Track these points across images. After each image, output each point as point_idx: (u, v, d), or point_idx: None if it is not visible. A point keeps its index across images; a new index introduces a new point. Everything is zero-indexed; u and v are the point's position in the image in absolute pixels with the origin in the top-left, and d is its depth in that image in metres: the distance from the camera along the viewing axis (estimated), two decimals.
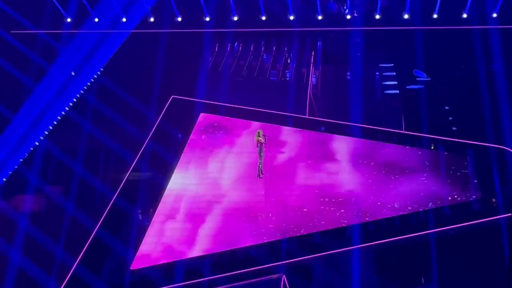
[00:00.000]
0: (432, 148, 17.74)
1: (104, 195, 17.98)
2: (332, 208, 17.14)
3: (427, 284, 16.59)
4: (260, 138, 17.62)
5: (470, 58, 18.00)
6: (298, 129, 18.30)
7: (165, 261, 17.06)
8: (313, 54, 20.04)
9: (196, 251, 17.06)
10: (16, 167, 18.51)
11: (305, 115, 18.58)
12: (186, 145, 18.32)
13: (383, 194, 17.16)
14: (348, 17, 19.25)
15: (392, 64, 19.66)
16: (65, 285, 16.95)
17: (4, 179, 18.42)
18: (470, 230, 16.49)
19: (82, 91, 19.31)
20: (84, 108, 18.98)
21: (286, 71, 20.14)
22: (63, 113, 19.09)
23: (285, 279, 16.52)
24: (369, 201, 17.13)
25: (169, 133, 18.42)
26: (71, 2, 19.53)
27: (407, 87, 19.03)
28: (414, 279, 16.81)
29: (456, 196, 16.96)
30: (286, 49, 20.14)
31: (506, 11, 18.30)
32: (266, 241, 16.91)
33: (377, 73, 19.82)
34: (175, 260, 17.03)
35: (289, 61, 20.18)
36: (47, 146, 18.68)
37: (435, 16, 18.73)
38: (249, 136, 18.16)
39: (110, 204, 17.66)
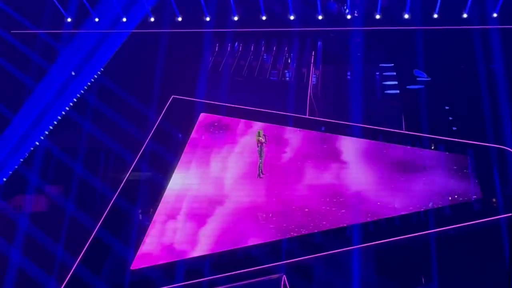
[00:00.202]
0: (433, 148, 17.74)
1: (105, 195, 17.99)
2: (333, 208, 17.15)
3: (427, 284, 16.59)
4: (260, 138, 17.64)
5: (470, 58, 17.99)
6: (298, 129, 18.28)
7: (165, 261, 17.09)
8: (313, 54, 20.03)
9: (196, 251, 17.08)
10: (16, 167, 18.51)
11: (306, 115, 18.57)
12: (187, 145, 18.32)
13: (383, 194, 17.17)
14: (349, 17, 19.23)
15: (392, 64, 19.66)
16: (65, 285, 16.97)
17: (5, 179, 18.42)
18: (471, 230, 16.50)
19: (82, 91, 19.30)
20: (85, 108, 18.97)
21: (287, 71, 20.14)
22: (63, 113, 19.08)
23: (285, 279, 16.53)
24: (369, 201, 17.13)
25: (169, 133, 18.42)
26: (71, 2, 19.51)
27: (408, 87, 19.02)
28: (415, 279, 16.82)
29: (456, 196, 16.96)
30: (286, 49, 20.14)
31: (507, 11, 18.29)
32: (266, 241, 16.93)
33: (377, 73, 19.81)
34: (176, 260, 17.05)
35: (289, 61, 20.17)
36: (47, 146, 18.68)
37: (435, 16, 18.71)
38: (250, 136, 18.16)
39: (110, 204, 17.66)
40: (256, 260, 16.75)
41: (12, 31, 19.62)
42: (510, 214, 16.46)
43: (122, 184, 17.87)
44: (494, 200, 16.96)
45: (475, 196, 16.97)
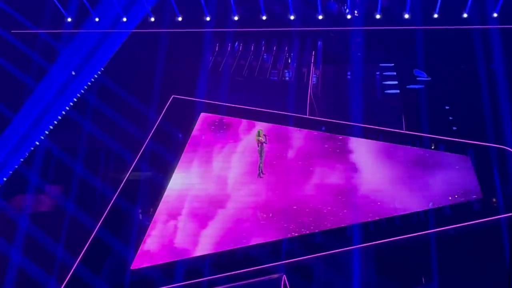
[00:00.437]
0: (433, 147, 17.73)
1: (105, 194, 17.99)
2: (333, 208, 17.15)
3: (427, 284, 16.60)
4: (260, 138, 17.64)
5: (471, 58, 17.98)
6: (298, 128, 18.28)
7: (165, 261, 17.09)
8: (313, 53, 20.03)
9: (196, 251, 17.09)
10: (16, 166, 18.52)
11: (306, 114, 18.57)
12: (187, 145, 18.32)
13: (383, 194, 17.17)
14: (349, 16, 19.23)
15: (393, 64, 19.66)
16: (65, 284, 16.97)
17: (5, 179, 18.42)
18: (471, 230, 16.50)
19: (82, 91, 19.31)
20: (85, 108, 18.98)
21: (287, 71, 20.14)
22: (63, 112, 19.08)
23: (286, 278, 16.53)
24: (369, 201, 17.13)
25: (169, 133, 18.42)
26: (71, 2, 19.52)
27: (408, 86, 19.02)
28: (415, 279, 16.82)
29: (456, 196, 16.95)
30: (286, 48, 20.14)
31: (507, 11, 18.28)
32: (266, 240, 16.93)
33: (378, 73, 19.81)
34: (176, 259, 17.06)
35: (289, 61, 20.17)
36: (47, 145, 18.69)
37: (435, 16, 18.71)
38: (250, 135, 18.16)
39: (110, 204, 17.67)
40: (256, 260, 16.75)
41: (12, 31, 19.62)
42: (510, 214, 16.45)
43: (122, 184, 17.86)
44: (494, 200, 16.94)
45: (475, 196, 16.95)
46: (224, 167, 18.04)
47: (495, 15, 18.41)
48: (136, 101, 18.47)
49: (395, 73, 19.55)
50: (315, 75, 19.84)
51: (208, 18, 19.45)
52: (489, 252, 16.11)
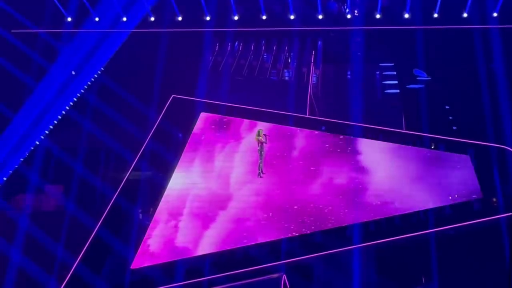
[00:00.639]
0: (433, 147, 17.73)
1: (105, 194, 18.00)
2: (333, 208, 17.15)
3: (427, 283, 16.60)
4: (260, 138, 17.65)
5: (471, 58, 17.98)
6: (298, 128, 18.27)
7: (165, 260, 17.10)
8: (313, 53, 20.03)
9: (197, 250, 17.10)
10: (16, 166, 18.52)
11: (306, 114, 18.57)
12: (187, 144, 18.32)
13: (382, 193, 17.17)
14: (349, 16, 19.24)
15: (393, 64, 19.66)
16: (65, 284, 16.98)
17: (5, 179, 18.43)
18: (471, 230, 16.50)
19: (82, 91, 19.31)
20: (85, 108, 18.98)
21: (287, 71, 20.14)
22: (63, 112, 19.09)
23: (286, 278, 16.54)
24: (369, 200, 17.13)
25: (169, 132, 18.42)
26: (71, 2, 19.52)
27: (408, 86, 19.03)
28: (415, 278, 16.83)
29: (456, 196, 16.95)
30: (286, 48, 20.14)
31: (507, 10, 18.28)
32: (266, 240, 16.94)
33: (378, 73, 19.81)
34: (176, 259, 17.07)
35: (289, 60, 20.18)
36: (47, 145, 18.69)
37: (435, 15, 18.71)
38: (250, 135, 18.16)
39: (110, 204, 17.67)
40: (255, 259, 16.76)
41: (12, 31, 19.63)
42: (510, 214, 16.46)
43: (122, 184, 17.87)
44: (494, 199, 16.94)
45: (475, 196, 16.95)
46: (224, 167, 18.04)
47: (495, 14, 18.40)
48: (136, 100, 18.47)
49: (395, 73, 19.55)
50: (315, 75, 19.84)
51: (208, 18, 19.45)
52: (489, 252, 16.12)
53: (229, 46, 20.09)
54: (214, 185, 17.88)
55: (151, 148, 18.18)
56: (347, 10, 19.24)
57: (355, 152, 17.81)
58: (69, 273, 17.01)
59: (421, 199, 17.01)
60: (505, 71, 17.74)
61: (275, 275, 16.62)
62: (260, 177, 17.72)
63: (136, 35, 19.40)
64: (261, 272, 16.70)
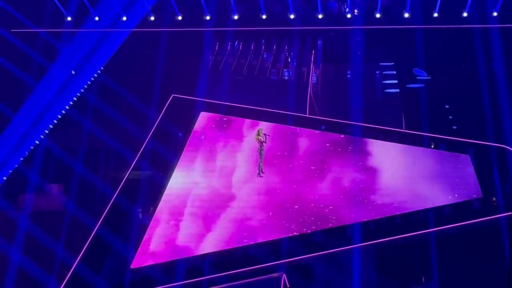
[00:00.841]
0: (432, 147, 17.73)
1: (105, 193, 18.00)
2: (333, 207, 17.16)
3: (427, 283, 16.60)
4: (260, 137, 17.65)
5: (471, 57, 17.99)
6: (298, 127, 18.27)
7: (165, 260, 17.10)
8: (313, 53, 20.04)
9: (196, 250, 17.09)
10: (16, 166, 18.52)
11: (306, 113, 18.57)
12: (187, 144, 18.31)
13: (382, 193, 17.17)
14: (349, 16, 19.24)
15: (393, 63, 19.67)
16: (65, 284, 16.98)
17: (5, 178, 18.42)
18: (471, 229, 16.50)
19: (82, 90, 19.32)
20: (85, 107, 18.99)
21: (287, 70, 20.14)
22: (63, 112, 19.09)
23: (286, 277, 16.54)
24: (368, 200, 17.14)
25: (169, 132, 18.42)
26: (71, 1, 19.53)
27: (407, 86, 19.03)
28: (415, 278, 16.82)
29: (456, 195, 16.95)
30: (286, 48, 20.15)
31: (507, 10, 18.28)
32: (265, 240, 16.94)
33: (377, 72, 19.82)
34: (176, 258, 17.07)
35: (289, 60, 20.18)
36: (47, 145, 18.69)
37: (435, 15, 18.72)
38: (250, 134, 18.16)
39: (110, 203, 17.66)
40: (255, 259, 16.76)
41: (12, 30, 19.63)
42: (510, 213, 16.46)
43: (122, 183, 17.86)
44: (494, 199, 16.94)
45: (475, 195, 16.94)
46: (224, 166, 18.04)
47: (495, 14, 18.41)
48: (136, 100, 18.47)
49: (395, 72, 19.57)
50: (315, 74, 19.85)
51: (208, 17, 19.45)
52: (489, 251, 16.11)
53: (229, 46, 20.10)
54: (214, 184, 17.87)
55: (151, 147, 18.17)
56: (347, 10, 19.25)
57: (356, 152, 17.79)
58: (69, 272, 17.00)
59: (421, 198, 17.00)
60: (505, 70, 17.74)
61: (275, 275, 16.62)
62: (260, 176, 17.73)
63: (136, 35, 19.41)
64: (261, 271, 16.69)
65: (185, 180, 17.96)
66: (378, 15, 19.04)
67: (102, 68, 19.45)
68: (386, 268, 16.64)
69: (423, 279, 16.77)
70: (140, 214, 17.88)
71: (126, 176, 17.97)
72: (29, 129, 18.68)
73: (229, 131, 18.44)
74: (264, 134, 17.70)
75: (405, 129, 18.13)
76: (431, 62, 18.64)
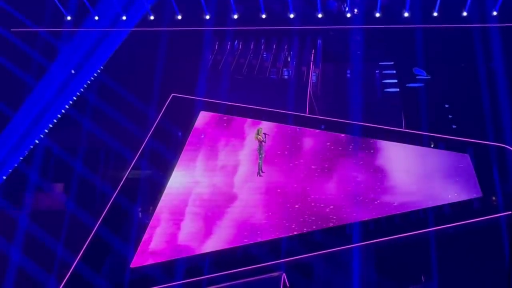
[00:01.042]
0: (432, 146, 17.73)
1: (104, 193, 18.00)
2: (333, 206, 17.15)
3: (427, 282, 16.59)
4: (259, 136, 17.65)
5: (470, 57, 17.99)
6: (298, 127, 18.28)
7: (165, 259, 17.08)
8: (313, 52, 20.05)
9: (196, 249, 17.09)
10: (16, 165, 18.52)
11: (305, 113, 18.58)
12: (186, 143, 18.32)
13: (382, 192, 17.17)
14: (348, 15, 19.24)
15: (392, 62, 19.67)
16: (65, 283, 16.97)
17: (4, 177, 18.43)
18: (470, 229, 16.49)
19: (82, 89, 19.33)
20: (84, 106, 18.99)
21: (286, 70, 20.15)
22: (63, 111, 19.09)
23: (285, 277, 16.54)
24: (368, 199, 17.13)
25: (169, 131, 18.43)
26: (71, 1, 19.55)
27: (407, 85, 19.03)
28: (414, 277, 16.82)
29: (456, 194, 16.95)
30: (286, 47, 20.15)
31: (506, 9, 18.29)
32: (265, 239, 16.93)
33: (377, 72, 19.83)
34: (175, 258, 17.05)
35: (289, 59, 20.19)
36: (47, 144, 18.69)
37: (435, 14, 18.72)
38: (249, 134, 18.16)
39: (110, 202, 17.66)
40: (255, 258, 16.75)
41: (12, 30, 19.64)
42: (510, 213, 16.45)
43: (122, 182, 17.86)
44: (494, 198, 16.94)
45: (474, 195, 16.94)
46: (223, 166, 18.04)
47: (494, 13, 18.41)
48: (135, 99, 18.47)
49: (394, 72, 19.57)
50: (314, 74, 19.87)
51: (207, 17, 19.47)
52: (489, 250, 16.10)
53: (228, 45, 20.11)
54: (213, 184, 17.87)
55: (151, 146, 18.17)
56: (347, 9, 19.25)
57: (356, 151, 17.80)
58: (69, 271, 16.99)
59: (421, 197, 16.99)
60: (505, 70, 17.74)
61: (275, 274, 16.61)
62: (260, 176, 17.72)
63: (135, 34, 19.44)
64: (260, 270, 16.69)
65: (185, 180, 17.96)
66: (377, 15, 19.05)
67: (102, 67, 19.46)
68: (386, 267, 16.63)
69: (422, 278, 16.75)
70: (140, 214, 17.87)
71: (126, 176, 17.97)
72: (29, 128, 18.68)
73: (228, 131, 18.45)
74: (264, 133, 17.69)
75: (405, 129, 18.13)
76: (431, 62, 18.65)
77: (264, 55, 20.13)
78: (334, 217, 17.05)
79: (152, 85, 18.47)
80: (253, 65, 19.94)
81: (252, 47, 20.18)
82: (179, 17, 19.59)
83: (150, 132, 18.29)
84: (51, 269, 17.11)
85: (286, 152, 18.02)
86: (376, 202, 17.08)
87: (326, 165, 17.72)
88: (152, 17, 19.65)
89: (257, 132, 17.72)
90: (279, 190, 17.59)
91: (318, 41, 20.07)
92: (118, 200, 17.64)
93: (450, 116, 18.41)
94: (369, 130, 17.85)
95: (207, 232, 17.24)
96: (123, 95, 18.55)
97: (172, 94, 18.67)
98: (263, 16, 19.39)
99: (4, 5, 19.49)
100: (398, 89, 19.32)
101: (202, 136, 18.49)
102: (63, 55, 19.37)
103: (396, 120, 18.44)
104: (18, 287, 16.99)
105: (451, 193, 16.97)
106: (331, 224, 16.98)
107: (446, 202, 16.89)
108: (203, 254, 17.05)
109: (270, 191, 17.61)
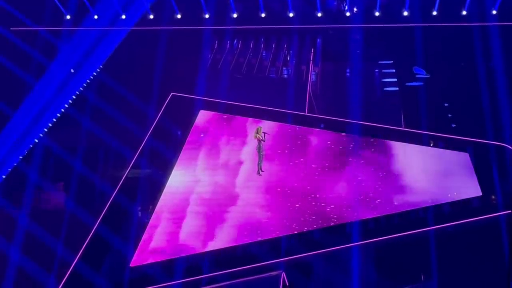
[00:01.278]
0: (432, 145, 17.73)
1: (104, 192, 18.00)
2: (332, 205, 17.16)
3: (426, 281, 16.60)
4: (259, 135, 17.65)
5: (470, 55, 17.99)
6: (297, 126, 18.27)
7: (164, 258, 17.10)
8: (312, 51, 20.04)
9: (196, 248, 17.10)
10: (15, 164, 18.52)
11: (305, 112, 18.57)
12: (186, 142, 18.33)
13: (382, 191, 17.17)
14: (348, 14, 19.24)
15: (392, 61, 19.67)
16: (64, 282, 16.98)
17: (4, 176, 18.43)
18: (470, 228, 16.50)
19: (81, 88, 19.33)
20: (84, 105, 18.99)
21: (286, 69, 20.15)
22: (62, 110, 19.09)
23: (285, 276, 16.55)
24: (368, 199, 17.13)
25: (168, 130, 18.43)
26: (70, 0, 19.55)
27: (407, 84, 19.03)
28: (414, 276, 16.82)
29: (455, 193, 16.95)
30: (285, 46, 20.15)
31: (506, 8, 18.28)
32: (265, 238, 16.94)
33: (377, 70, 19.83)
34: (175, 257, 17.06)
35: (288, 58, 20.18)
36: (46, 143, 18.70)
37: (434, 13, 18.72)
38: (249, 133, 18.16)
39: (109, 201, 17.67)
40: (255, 257, 16.76)
41: (11, 29, 19.64)
42: (509, 212, 16.45)
43: (122, 181, 17.87)
44: (493, 197, 16.94)
45: (474, 194, 16.93)
46: (223, 164, 18.05)
47: (494, 12, 18.41)
48: (135, 98, 18.48)
49: (394, 71, 19.57)
50: (314, 73, 19.86)
51: (207, 16, 19.46)
52: (488, 249, 16.11)
53: (228, 44, 20.11)
54: (213, 183, 17.87)
55: (150, 145, 18.18)
56: (346, 8, 19.25)
57: (355, 150, 17.80)
58: (68, 270, 17.01)
59: (420, 196, 17.01)
60: (504, 68, 17.73)
61: (274, 273, 16.62)
62: (259, 175, 17.73)
63: (135, 33, 19.43)
64: (260, 269, 16.70)
65: (184, 179, 17.97)
66: (377, 13, 19.04)
67: (101, 66, 19.45)
68: (386, 266, 16.64)
69: (422, 277, 16.76)
70: (139, 213, 17.88)
71: (125, 175, 17.97)
72: (28, 127, 18.68)
73: (228, 130, 18.45)
74: (263, 132, 17.70)
75: (404, 127, 18.13)
76: (431, 60, 18.64)
77: (264, 54, 20.13)
78: (335, 216, 17.06)
79: (151, 84, 18.47)
80: (252, 64, 19.93)
81: (251, 46, 20.18)
82: (179, 16, 19.58)
83: (150, 131, 18.30)
84: (50, 268, 17.12)
85: (286, 151, 18.03)
86: (376, 201, 17.09)
87: (327, 164, 17.73)
88: (151, 16, 19.64)
89: (256, 131, 17.73)
90: (279, 189, 17.59)
91: (318, 40, 20.06)
92: (117, 199, 17.65)
93: (449, 115, 18.41)
94: (368, 129, 17.84)
95: (208, 231, 17.25)
96: (123, 94, 18.55)
97: (172, 93, 18.67)
98: (263, 15, 19.38)
99: (4, 4, 19.48)
100: (397, 88, 19.32)
101: (202, 135, 18.49)
102: (63, 54, 19.37)
103: (395, 119, 18.44)
104: (18, 286, 17.01)
105: (451, 192, 16.98)
106: (331, 223, 16.99)
107: (446, 201, 16.90)
108: (203, 253, 17.09)
109: (270, 190, 17.61)
